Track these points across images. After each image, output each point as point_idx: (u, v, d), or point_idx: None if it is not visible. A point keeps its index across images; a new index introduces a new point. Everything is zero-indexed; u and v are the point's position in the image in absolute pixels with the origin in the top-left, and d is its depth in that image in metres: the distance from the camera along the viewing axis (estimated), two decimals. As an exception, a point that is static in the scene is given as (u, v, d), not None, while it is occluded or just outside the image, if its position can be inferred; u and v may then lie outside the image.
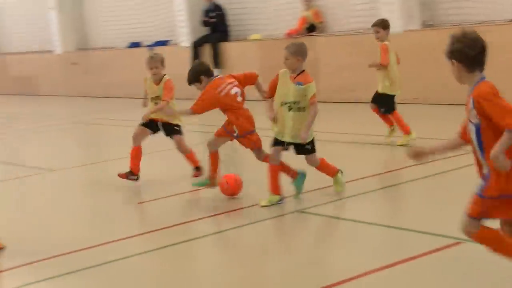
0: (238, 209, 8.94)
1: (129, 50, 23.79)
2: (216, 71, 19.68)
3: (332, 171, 9.15)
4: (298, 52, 8.75)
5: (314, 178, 9.18)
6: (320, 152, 9.03)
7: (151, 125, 10.69)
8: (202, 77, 9.37)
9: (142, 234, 8.36)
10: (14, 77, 28.43)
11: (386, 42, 11.89)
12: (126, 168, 10.37)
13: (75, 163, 13.55)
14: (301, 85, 8.63)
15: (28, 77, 27.75)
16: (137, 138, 10.64)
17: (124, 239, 8.03)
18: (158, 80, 10.58)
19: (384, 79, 11.93)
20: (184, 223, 8.45)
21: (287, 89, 8.74)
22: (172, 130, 10.65)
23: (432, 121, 14.02)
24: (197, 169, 10.71)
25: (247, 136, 9.29)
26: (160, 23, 23.19)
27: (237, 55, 20.03)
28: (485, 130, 5.32)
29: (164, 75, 10.62)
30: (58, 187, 11.30)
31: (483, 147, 5.39)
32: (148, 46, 22.72)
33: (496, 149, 5.17)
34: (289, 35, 18.83)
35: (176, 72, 21.08)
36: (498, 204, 5.38)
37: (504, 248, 5.56)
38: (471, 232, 5.49)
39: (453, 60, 5.45)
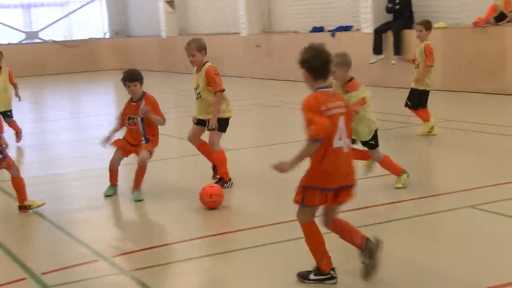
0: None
1: (312, 35, 23.51)
2: (395, 58, 19.51)
3: (397, 170, 9.26)
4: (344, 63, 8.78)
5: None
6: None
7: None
8: None
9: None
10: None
11: (429, 42, 12.44)
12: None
13: (248, 144, 13.64)
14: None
15: (215, 57, 28.16)
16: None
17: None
18: None
19: (425, 77, 12.38)
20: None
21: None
22: None
23: None
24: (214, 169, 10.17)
25: None
26: (343, 8, 22.79)
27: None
28: None
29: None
30: (232, 167, 11.33)
31: None
32: (331, 31, 22.45)
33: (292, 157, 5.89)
34: (476, 24, 17.95)
35: (356, 58, 20.57)
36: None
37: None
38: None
39: (303, 69, 6.20)
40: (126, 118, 9.52)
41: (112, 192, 9.59)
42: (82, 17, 36.43)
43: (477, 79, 17.49)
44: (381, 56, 20.30)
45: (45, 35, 35.27)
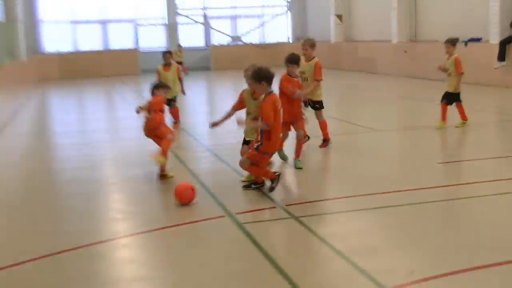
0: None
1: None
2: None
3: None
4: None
5: None
6: None
7: None
8: None
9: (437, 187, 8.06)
10: (361, 58, 29.00)
11: (457, 55, 12.30)
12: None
13: (391, 127, 13.32)
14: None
15: (370, 58, 28.11)
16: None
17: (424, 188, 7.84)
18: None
19: (457, 83, 12.27)
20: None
21: None
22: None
23: None
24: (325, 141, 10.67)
25: None
26: (474, 22, 21.92)
27: None
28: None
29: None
30: (378, 142, 11.30)
31: None
32: (464, 41, 21.67)
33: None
34: None
35: (484, 63, 19.76)
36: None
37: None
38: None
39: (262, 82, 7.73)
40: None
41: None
42: (272, 26, 36.77)
43: None
44: (504, 63, 19.50)
45: (245, 39, 35.95)
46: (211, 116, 15.85)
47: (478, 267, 5.32)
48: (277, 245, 6.27)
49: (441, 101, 12.44)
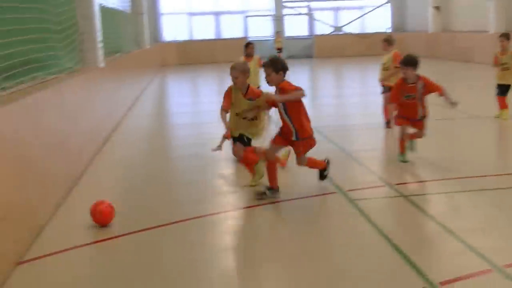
0: None
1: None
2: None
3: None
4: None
5: None
6: None
7: None
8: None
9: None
10: (458, 47, 28.00)
11: None
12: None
13: (488, 113, 12.48)
14: None
15: (467, 48, 27.10)
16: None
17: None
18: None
19: None
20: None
21: None
22: None
23: None
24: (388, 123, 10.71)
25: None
26: None
27: None
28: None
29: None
30: (475, 129, 10.89)
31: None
32: None
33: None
34: None
35: None
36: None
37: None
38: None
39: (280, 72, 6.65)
40: (403, 96, 8.26)
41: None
42: (372, 16, 36.11)
43: None
44: None
45: (347, 29, 35.50)
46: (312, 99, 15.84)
47: None
48: (390, 222, 6.16)
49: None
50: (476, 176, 7.53)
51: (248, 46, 12.00)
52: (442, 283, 4.53)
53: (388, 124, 10.84)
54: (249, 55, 11.88)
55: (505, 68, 11.55)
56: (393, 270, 4.88)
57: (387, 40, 10.99)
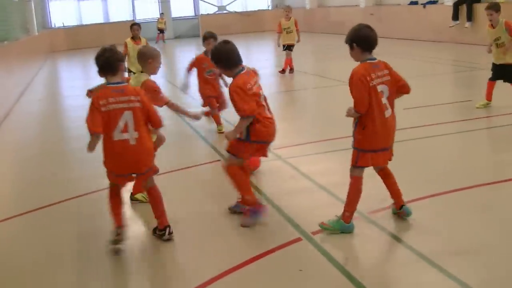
0: None
1: (409, 7, 22.85)
2: (467, 24, 18.86)
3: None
4: None
5: None
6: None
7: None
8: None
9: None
10: (332, 21, 28.87)
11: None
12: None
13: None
14: None
15: (341, 22, 27.96)
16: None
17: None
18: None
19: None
20: None
21: None
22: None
23: None
24: None
25: None
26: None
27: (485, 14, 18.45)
28: None
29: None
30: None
31: None
32: (423, 4, 21.72)
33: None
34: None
35: (440, 23, 19.87)
36: None
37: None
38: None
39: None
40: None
41: None
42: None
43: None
44: (458, 22, 19.57)
45: (230, 8, 35.67)
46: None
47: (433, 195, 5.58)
48: (269, 183, 6.45)
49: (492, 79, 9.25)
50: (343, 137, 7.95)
51: (133, 28, 11.30)
52: (313, 233, 4.87)
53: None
54: (135, 37, 11.22)
55: (501, 45, 8.99)
56: (269, 220, 5.20)
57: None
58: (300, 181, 6.43)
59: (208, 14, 35.01)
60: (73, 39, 31.40)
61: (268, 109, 5.28)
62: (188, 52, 24.69)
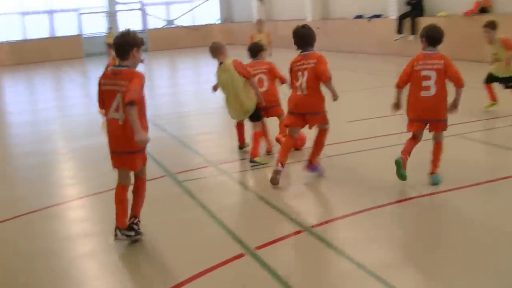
0: None
1: (355, 20, 23.30)
2: (411, 37, 19.39)
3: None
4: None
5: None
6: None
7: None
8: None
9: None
10: (280, 35, 29.07)
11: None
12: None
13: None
14: None
15: (288, 35, 28.13)
16: None
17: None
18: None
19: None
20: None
21: None
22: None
23: None
24: None
25: None
26: (376, 1, 22.36)
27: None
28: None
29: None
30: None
31: None
32: (368, 18, 22.19)
33: None
34: (466, 14, 17.55)
35: (384, 36, 20.24)
36: None
37: None
38: None
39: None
40: None
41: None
42: (202, 9, 36.47)
43: (467, 50, 17.10)
44: (402, 35, 20.09)
45: (178, 22, 35.62)
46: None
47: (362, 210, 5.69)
48: (212, 197, 6.47)
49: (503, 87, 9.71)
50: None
51: None
52: (257, 248, 4.89)
53: None
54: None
55: (497, 59, 9.55)
56: (213, 236, 5.22)
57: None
58: (243, 195, 6.47)
59: (156, 28, 34.86)
60: (19, 54, 30.75)
61: None
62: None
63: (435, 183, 6.02)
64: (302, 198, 6.13)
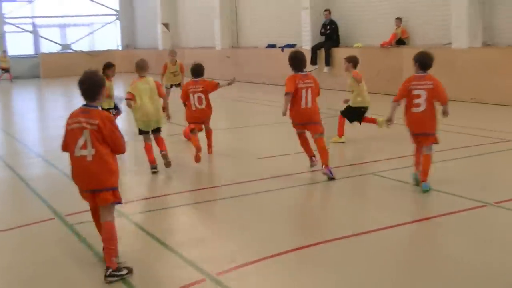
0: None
1: (267, 50, 23.34)
2: (326, 68, 19.56)
3: None
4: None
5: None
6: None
7: None
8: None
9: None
10: (186, 63, 28.67)
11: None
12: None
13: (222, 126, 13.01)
14: None
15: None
16: None
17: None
18: None
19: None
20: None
21: None
22: None
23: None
24: None
25: None
26: (290, 31, 22.55)
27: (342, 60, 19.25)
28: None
29: None
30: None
31: None
32: (281, 47, 22.26)
33: None
34: (383, 45, 17.92)
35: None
36: None
37: None
38: None
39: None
40: None
41: None
42: (102, 34, 35.71)
43: (383, 84, 17.37)
44: (316, 66, 20.22)
45: (76, 47, 34.60)
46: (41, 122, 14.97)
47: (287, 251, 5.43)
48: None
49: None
50: (208, 188, 7.61)
51: (111, 68, 11.19)
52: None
53: None
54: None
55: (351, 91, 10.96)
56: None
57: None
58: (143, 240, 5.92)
59: (50, 53, 33.63)
60: None
61: None
62: (26, 95, 23.35)
63: (425, 190, 7.06)
64: (206, 242, 5.89)
